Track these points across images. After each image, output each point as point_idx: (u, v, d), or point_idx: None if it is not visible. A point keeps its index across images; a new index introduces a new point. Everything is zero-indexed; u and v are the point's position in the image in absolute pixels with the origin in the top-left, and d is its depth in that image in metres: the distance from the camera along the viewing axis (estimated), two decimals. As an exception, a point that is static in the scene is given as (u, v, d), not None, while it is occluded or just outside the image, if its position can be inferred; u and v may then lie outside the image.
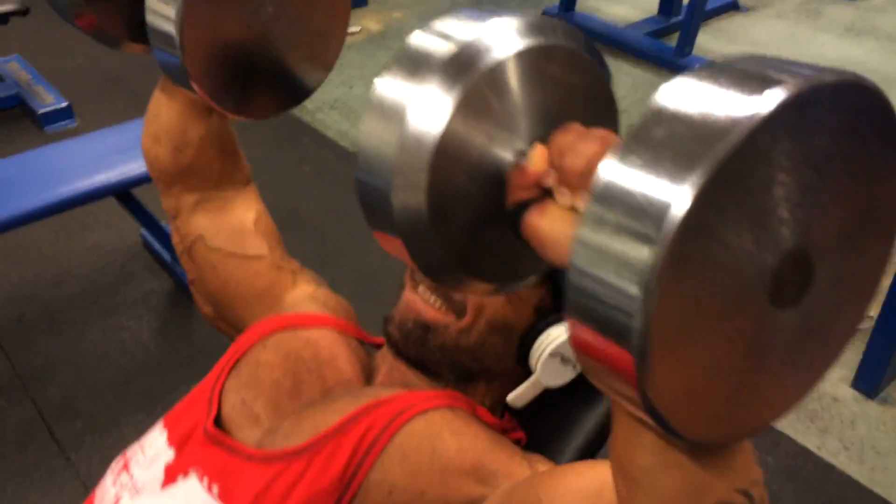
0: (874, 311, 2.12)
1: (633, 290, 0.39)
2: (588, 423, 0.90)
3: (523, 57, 0.55)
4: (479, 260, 0.61)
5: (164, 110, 0.92)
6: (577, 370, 0.82)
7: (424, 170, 0.54)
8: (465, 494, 0.71)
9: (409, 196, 0.55)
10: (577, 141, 0.51)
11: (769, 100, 0.39)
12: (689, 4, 3.32)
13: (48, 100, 3.06)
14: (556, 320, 0.82)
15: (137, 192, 2.14)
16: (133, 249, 2.44)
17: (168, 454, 0.78)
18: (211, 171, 0.96)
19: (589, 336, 0.43)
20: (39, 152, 2.10)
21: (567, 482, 0.66)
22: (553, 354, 0.80)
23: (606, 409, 0.90)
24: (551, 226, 0.52)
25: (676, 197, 0.38)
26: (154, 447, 0.79)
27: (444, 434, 0.73)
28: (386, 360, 0.88)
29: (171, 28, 0.78)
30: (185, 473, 0.75)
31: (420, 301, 0.84)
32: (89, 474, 1.77)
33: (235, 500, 0.72)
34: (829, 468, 1.78)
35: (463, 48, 0.55)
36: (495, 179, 0.57)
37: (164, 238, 2.28)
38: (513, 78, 0.56)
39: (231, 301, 0.97)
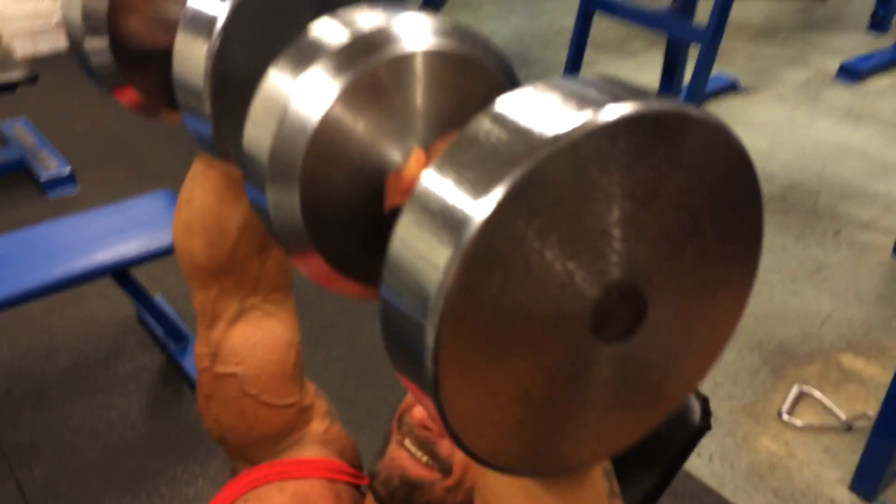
0: (873, 410, 2.10)
1: (427, 303, 0.38)
2: None
3: (426, 57, 0.53)
4: (358, 262, 0.58)
5: (199, 193, 0.81)
6: None
7: (299, 159, 0.52)
8: None
9: (283, 187, 0.53)
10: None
11: (579, 124, 0.37)
12: (690, 85, 3.37)
13: (51, 165, 3.09)
14: None
15: (133, 269, 2.15)
16: (127, 322, 2.43)
17: None
18: (251, 271, 0.85)
19: (394, 342, 0.42)
20: (39, 229, 2.11)
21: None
22: None
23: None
24: None
25: (474, 211, 0.37)
26: None
27: None
28: None
29: (199, 85, 0.65)
30: None
31: (406, 457, 0.83)
32: (68, 563, 1.73)
33: None
34: (826, 577, 1.73)
35: (363, 36, 0.52)
36: (377, 181, 0.55)
37: (158, 314, 2.27)
38: (410, 76, 0.53)
39: (245, 437, 0.91)
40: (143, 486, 1.91)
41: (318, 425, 0.93)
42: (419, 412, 0.82)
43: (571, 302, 0.41)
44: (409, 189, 0.51)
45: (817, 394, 2.23)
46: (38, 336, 2.37)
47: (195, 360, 0.90)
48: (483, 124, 0.40)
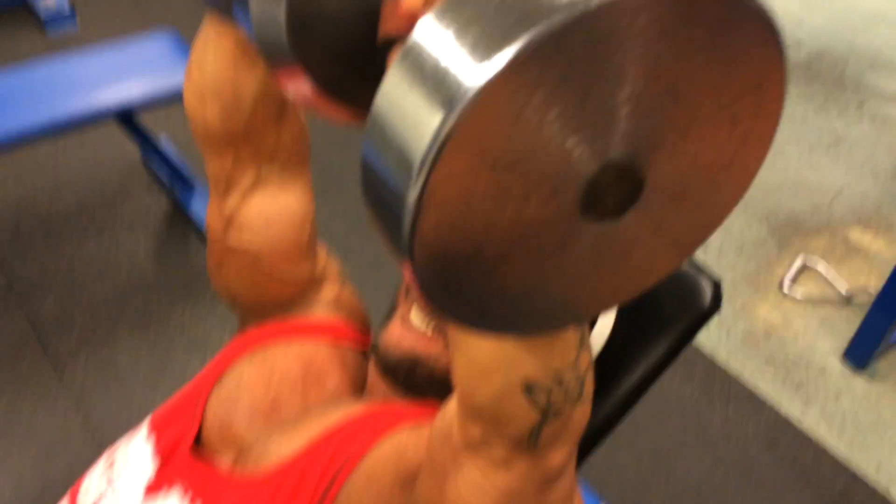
0: (874, 284, 2.11)
1: (409, 173, 0.36)
2: None
3: None
4: (347, 85, 0.55)
5: (211, 58, 0.75)
6: None
7: None
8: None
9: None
10: None
11: None
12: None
13: (51, 2, 2.97)
14: None
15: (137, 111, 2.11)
16: (131, 165, 2.41)
17: (152, 464, 0.77)
18: (267, 141, 0.81)
19: (375, 203, 0.40)
20: (41, 67, 2.04)
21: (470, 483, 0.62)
22: None
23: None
24: None
25: (472, 78, 0.34)
26: (140, 453, 0.79)
27: (406, 454, 0.72)
28: (372, 374, 0.86)
29: None
30: (169, 487, 0.75)
31: (411, 330, 0.81)
32: (82, 392, 1.79)
33: None
34: (808, 440, 1.80)
35: None
36: (369, 6, 0.52)
37: (163, 158, 2.25)
38: None
39: (255, 304, 0.90)
40: (152, 325, 1.96)
41: (328, 290, 0.93)
42: None
43: (564, 178, 0.38)
44: (406, 17, 0.47)
45: (821, 266, 2.24)
46: (44, 175, 2.36)
47: (206, 228, 0.87)
48: None
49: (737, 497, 1.69)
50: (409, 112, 0.36)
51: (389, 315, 0.87)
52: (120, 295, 2.04)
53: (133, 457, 0.79)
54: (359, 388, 0.88)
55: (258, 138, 0.80)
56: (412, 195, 0.36)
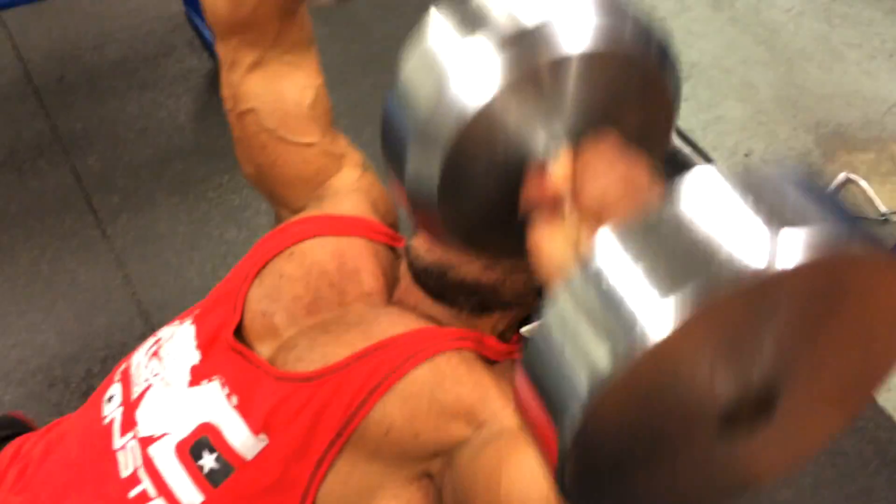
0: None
1: (580, 391, 0.39)
2: None
3: (589, 59, 0.52)
4: (480, 237, 0.63)
5: None
6: None
7: (449, 139, 0.54)
8: (453, 436, 0.76)
9: (425, 159, 0.55)
10: (601, 165, 0.51)
11: (789, 254, 0.36)
12: None
13: None
14: None
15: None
16: (175, 20, 2.38)
17: (195, 355, 0.82)
18: (269, 28, 0.89)
19: (530, 400, 0.43)
20: None
21: (530, 468, 0.66)
22: None
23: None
24: (549, 243, 0.53)
25: (656, 320, 0.36)
26: (184, 343, 0.84)
27: (445, 382, 0.76)
28: (405, 278, 0.89)
29: None
30: (209, 378, 0.80)
31: None
32: (123, 251, 1.87)
33: (250, 413, 0.77)
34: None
35: (528, 31, 0.52)
36: (516, 168, 0.57)
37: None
38: (569, 74, 0.53)
39: (275, 179, 0.96)
40: (191, 189, 2.00)
41: (349, 173, 0.96)
42: None
43: (705, 402, 0.42)
44: (549, 191, 0.52)
45: (863, 182, 2.20)
46: (87, 23, 2.34)
47: (223, 102, 0.95)
48: (680, 213, 0.39)
49: (820, 471, 1.76)
50: (578, 340, 0.39)
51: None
52: (161, 157, 2.07)
53: (179, 343, 0.84)
54: (391, 284, 0.91)
55: (260, 28, 0.88)
56: (573, 429, 0.39)
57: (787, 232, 0.36)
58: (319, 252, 0.88)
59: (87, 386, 1.66)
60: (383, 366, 0.76)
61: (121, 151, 2.06)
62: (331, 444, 0.75)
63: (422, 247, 0.85)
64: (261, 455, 0.76)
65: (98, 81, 2.21)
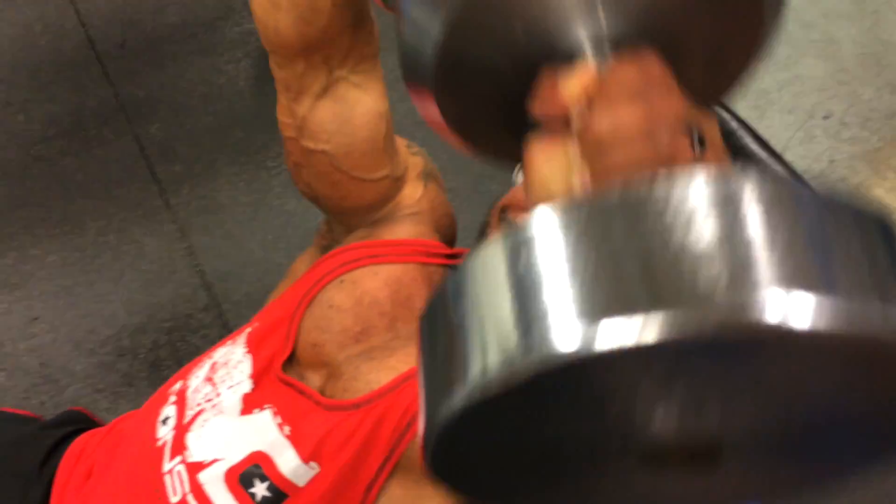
0: None
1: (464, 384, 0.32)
2: None
3: None
4: (481, 134, 0.55)
5: None
6: None
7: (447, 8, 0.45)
8: None
9: (428, 15, 0.46)
10: (625, 93, 0.42)
11: (793, 317, 0.28)
12: None
13: None
14: None
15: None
16: (233, -19, 2.35)
17: (247, 384, 0.82)
18: (341, 45, 0.79)
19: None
20: None
21: None
22: None
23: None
24: (544, 164, 0.45)
25: (588, 335, 0.30)
26: (238, 371, 0.84)
27: None
28: None
29: None
30: (261, 408, 0.80)
31: None
32: (186, 221, 1.89)
33: (301, 442, 0.77)
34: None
35: None
36: (533, 61, 0.47)
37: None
38: None
39: (340, 207, 0.92)
40: (251, 158, 2.00)
41: (410, 192, 0.92)
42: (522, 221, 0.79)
43: (617, 435, 0.37)
44: (558, 108, 0.43)
45: (952, 148, 2.07)
46: (148, -12, 2.33)
47: (280, 127, 0.87)
48: (663, 202, 0.31)
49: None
50: (485, 310, 0.33)
51: (481, 236, 0.86)
52: (221, 124, 2.07)
53: (232, 371, 0.84)
54: None
55: (332, 45, 0.78)
56: (448, 410, 0.35)
57: (800, 294, 0.29)
58: (370, 281, 0.86)
59: (155, 357, 1.70)
60: None
61: (182, 119, 2.07)
62: (380, 469, 0.75)
63: None
64: (312, 482, 0.77)
65: (159, 46, 2.21)
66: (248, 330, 0.88)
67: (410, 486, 0.75)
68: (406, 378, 0.77)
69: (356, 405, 0.77)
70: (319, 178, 0.88)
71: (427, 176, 0.95)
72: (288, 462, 0.77)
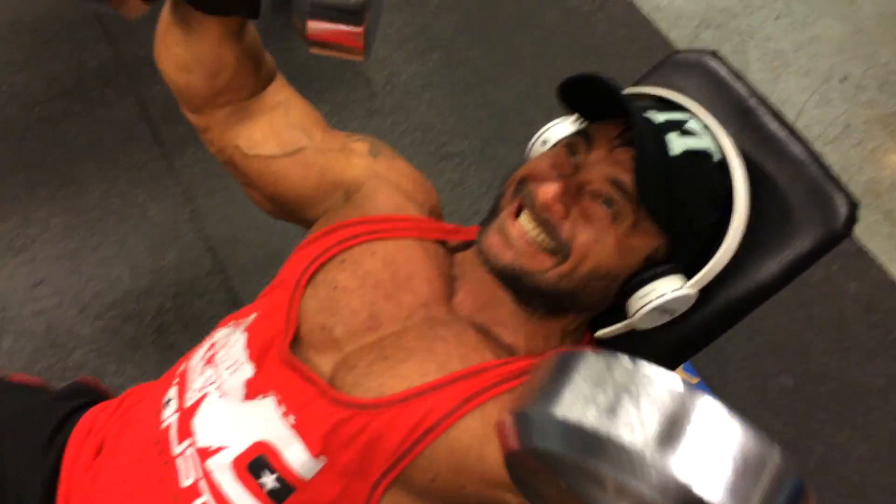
0: None
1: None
2: (664, 347, 0.88)
3: None
4: None
5: (193, 42, 0.83)
6: (671, 317, 0.79)
7: None
8: (500, 500, 0.74)
9: None
10: None
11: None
12: None
13: None
14: (664, 272, 0.78)
15: None
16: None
17: (248, 368, 0.79)
18: (246, 85, 0.88)
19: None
20: None
21: None
22: (665, 304, 0.76)
23: (683, 334, 0.88)
24: None
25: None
26: (236, 352, 0.81)
27: (491, 443, 0.71)
28: (473, 274, 0.84)
29: None
30: (265, 394, 0.77)
31: (510, 246, 0.78)
32: (191, 185, 1.86)
33: (308, 434, 0.75)
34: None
35: None
36: None
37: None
38: None
39: (289, 200, 0.91)
40: (255, 119, 1.97)
41: (359, 161, 0.92)
42: (544, 192, 0.75)
43: None
44: None
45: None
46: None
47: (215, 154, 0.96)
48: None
49: (823, 358, 1.69)
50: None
51: (492, 216, 0.83)
52: (225, 85, 2.03)
53: (232, 352, 0.82)
54: (448, 283, 0.86)
55: (237, 87, 0.87)
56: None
57: None
58: (370, 260, 0.84)
59: (161, 321, 1.69)
60: (434, 411, 0.73)
61: (185, 79, 2.03)
62: (383, 475, 0.74)
63: (492, 248, 0.79)
64: (320, 474, 0.75)
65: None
66: (253, 315, 0.86)
67: (410, 502, 0.76)
68: (418, 394, 0.74)
69: (364, 406, 0.75)
70: (250, 179, 0.93)
71: (374, 153, 0.94)
72: (296, 456, 0.75)
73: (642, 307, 0.77)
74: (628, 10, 2.28)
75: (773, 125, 0.92)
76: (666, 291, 0.77)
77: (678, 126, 0.79)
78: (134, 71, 2.03)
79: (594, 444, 0.43)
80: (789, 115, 2.05)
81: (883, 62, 2.14)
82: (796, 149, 0.90)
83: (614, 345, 0.88)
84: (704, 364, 1.64)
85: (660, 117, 0.79)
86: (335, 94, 2.03)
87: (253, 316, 0.85)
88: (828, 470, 1.57)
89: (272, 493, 0.75)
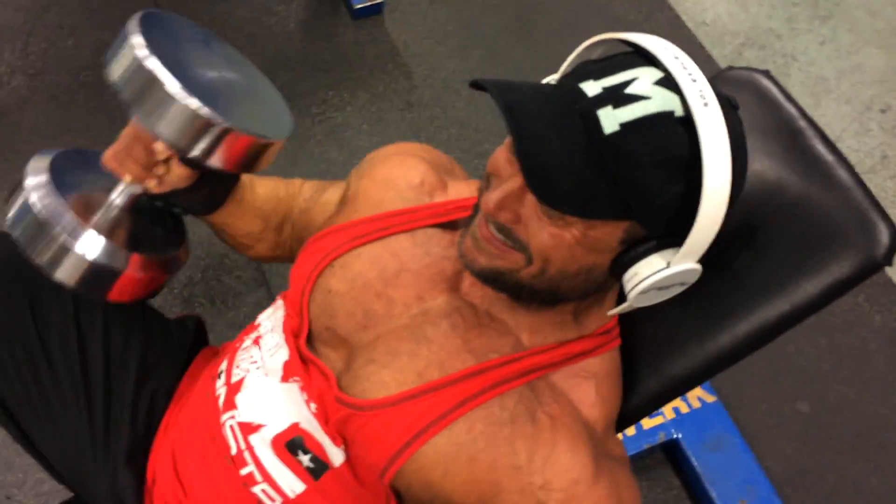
0: None
1: None
2: (695, 361, 0.89)
3: None
4: None
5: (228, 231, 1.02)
6: (679, 290, 0.74)
7: None
8: None
9: None
10: None
11: None
12: None
13: None
14: (645, 252, 0.71)
15: None
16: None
17: (285, 351, 0.84)
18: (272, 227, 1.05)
19: None
20: None
21: None
22: (650, 287, 0.71)
23: (716, 348, 0.88)
24: None
25: None
26: (277, 334, 0.87)
27: (479, 441, 0.74)
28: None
29: None
30: (295, 378, 0.82)
31: (488, 242, 0.74)
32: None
33: (326, 425, 0.79)
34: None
35: None
36: None
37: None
38: None
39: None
40: (295, 103, 1.99)
41: (306, 190, 1.11)
42: (486, 202, 0.71)
43: None
44: None
45: None
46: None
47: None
48: None
49: (842, 388, 1.68)
50: None
51: (473, 214, 0.79)
52: (268, 66, 2.02)
53: (274, 335, 0.87)
54: (451, 263, 0.85)
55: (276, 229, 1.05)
56: None
57: None
58: (356, 263, 0.85)
59: (189, 293, 1.72)
60: (426, 415, 0.74)
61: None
62: (382, 473, 0.76)
63: (468, 254, 0.76)
64: (346, 462, 0.80)
65: None
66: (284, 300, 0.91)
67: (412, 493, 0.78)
68: (410, 396, 0.75)
69: (361, 407, 0.76)
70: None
71: (352, 176, 0.99)
72: (325, 441, 0.79)
73: (635, 287, 0.72)
74: (674, 24, 2.28)
75: (821, 148, 0.92)
76: (656, 268, 0.70)
77: (615, 94, 0.67)
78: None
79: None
80: (827, 141, 2.04)
81: (926, 96, 2.13)
82: (842, 173, 0.90)
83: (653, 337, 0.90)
84: (723, 383, 1.63)
85: (595, 88, 0.67)
86: (376, 83, 2.04)
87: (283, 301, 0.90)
88: (838, 501, 1.56)
89: (310, 470, 0.79)
